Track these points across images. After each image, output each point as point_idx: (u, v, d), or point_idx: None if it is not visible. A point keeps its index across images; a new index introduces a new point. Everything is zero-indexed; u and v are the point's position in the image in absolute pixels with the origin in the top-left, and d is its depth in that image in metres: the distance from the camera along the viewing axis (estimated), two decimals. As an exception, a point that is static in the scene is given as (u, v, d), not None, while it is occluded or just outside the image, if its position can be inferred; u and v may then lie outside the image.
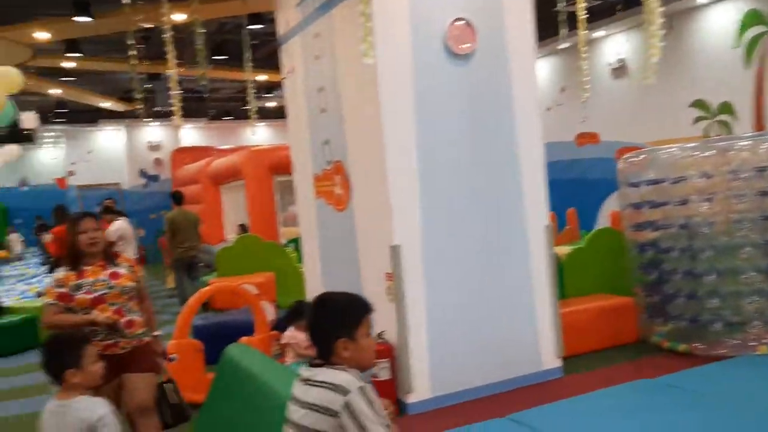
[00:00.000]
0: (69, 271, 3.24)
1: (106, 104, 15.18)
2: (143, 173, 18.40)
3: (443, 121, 4.51)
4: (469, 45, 4.54)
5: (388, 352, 4.52)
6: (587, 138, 11.51)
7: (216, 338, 5.55)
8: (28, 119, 9.52)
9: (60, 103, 15.31)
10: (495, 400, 4.54)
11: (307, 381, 1.93)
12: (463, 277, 4.57)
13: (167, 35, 5.97)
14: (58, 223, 8.08)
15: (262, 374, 2.87)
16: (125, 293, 3.27)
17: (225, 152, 16.20)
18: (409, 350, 4.46)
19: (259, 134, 20.35)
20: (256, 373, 2.92)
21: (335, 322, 1.94)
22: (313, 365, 1.97)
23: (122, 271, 3.33)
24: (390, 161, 4.38)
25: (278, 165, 12.06)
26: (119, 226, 9.67)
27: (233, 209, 14.56)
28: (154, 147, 18.49)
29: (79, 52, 9.76)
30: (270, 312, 5.61)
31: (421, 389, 4.49)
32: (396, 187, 4.40)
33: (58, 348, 2.59)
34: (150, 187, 18.32)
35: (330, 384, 1.83)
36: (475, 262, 4.60)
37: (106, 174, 18.20)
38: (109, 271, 3.29)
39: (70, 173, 18.11)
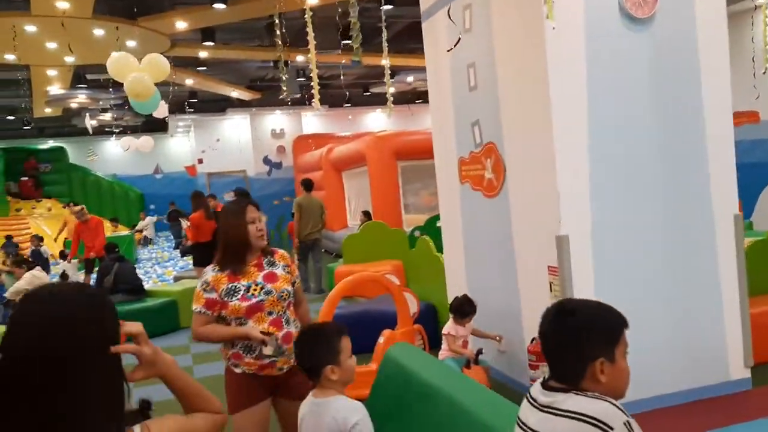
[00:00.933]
0: (219, 271, 2.74)
1: (234, 93, 15.56)
2: (267, 160, 18.82)
3: (619, 94, 3.98)
4: (649, 7, 3.96)
5: (552, 354, 4.09)
6: (745, 117, 10.34)
7: (355, 329, 5.33)
8: (161, 109, 9.81)
9: (192, 93, 15.87)
10: (676, 413, 3.98)
11: (545, 408, 1.56)
12: (640, 272, 4.03)
13: (307, 17, 5.78)
14: (196, 209, 8.22)
15: (441, 387, 2.54)
16: (283, 299, 2.78)
17: (345, 139, 16.21)
18: (576, 353, 3.98)
19: (379, 120, 20.27)
20: (435, 384, 2.59)
21: (589, 339, 1.55)
22: (550, 388, 1.59)
23: (279, 271, 2.81)
24: (558, 141, 3.90)
25: (402, 150, 11.82)
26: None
27: (355, 196, 14.52)
28: (278, 134, 18.85)
29: (213, 41, 9.93)
30: (413, 304, 5.31)
31: (588, 396, 4.01)
32: (564, 171, 3.92)
33: (313, 341, 2.34)
34: (273, 174, 18.72)
35: (584, 417, 1.45)
36: (653, 255, 4.05)
37: (233, 161, 18.76)
38: (265, 271, 2.78)
39: (200, 161, 18.84)
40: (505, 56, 4.41)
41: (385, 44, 5.66)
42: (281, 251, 2.94)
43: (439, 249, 6.19)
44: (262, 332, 2.67)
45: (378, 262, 9.66)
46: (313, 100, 6.29)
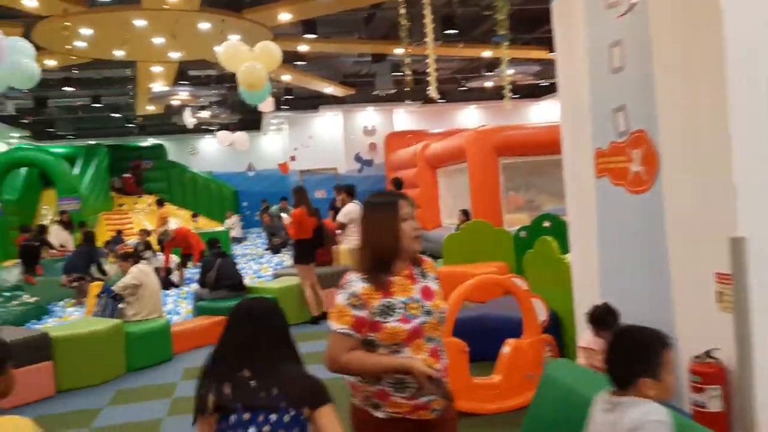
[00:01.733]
0: (367, 282, 2.16)
1: (329, 89, 15.44)
2: (358, 158, 18.66)
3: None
4: None
5: (721, 376, 3.49)
6: None
7: (477, 335, 4.92)
8: (267, 102, 9.72)
9: (287, 89, 15.88)
10: None
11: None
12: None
13: (426, 10, 5.39)
14: (298, 204, 8.01)
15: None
16: (441, 323, 2.24)
17: (438, 136, 15.79)
18: (753, 375, 3.38)
19: (472, 116, 19.72)
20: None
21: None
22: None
23: (434, 286, 2.27)
24: (736, 126, 3.31)
25: (504, 146, 11.27)
26: (351, 209, 9.55)
27: (450, 194, 14.06)
28: (369, 131, 18.66)
29: (314, 33, 9.75)
30: (541, 311, 4.81)
31: (767, 425, 3.41)
32: (743, 160, 3.32)
33: (630, 348, 2.08)
34: (364, 172, 18.54)
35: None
36: None
37: (325, 159, 18.74)
38: (420, 284, 2.23)
39: (292, 158, 18.92)
40: (665, 29, 3.84)
41: (503, 32, 5.15)
42: (428, 259, 2.39)
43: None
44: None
45: (480, 263, 9.17)
46: (429, 88, 5.96)
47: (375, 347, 2.16)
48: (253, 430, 2.01)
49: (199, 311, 7.91)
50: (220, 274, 7.94)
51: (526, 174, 12.19)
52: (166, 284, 10.68)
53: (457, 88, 17.31)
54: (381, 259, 2.20)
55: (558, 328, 5.57)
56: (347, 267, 9.58)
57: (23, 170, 17.37)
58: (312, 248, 8.15)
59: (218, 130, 21.08)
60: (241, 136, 15.59)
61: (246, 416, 2.03)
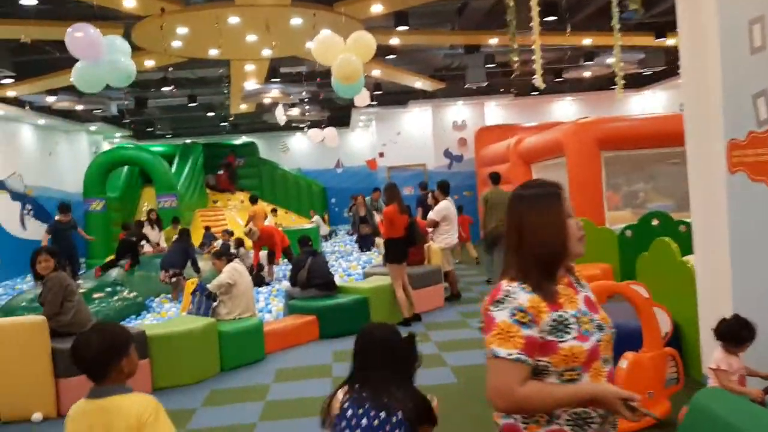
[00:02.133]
0: (533, 292, 1.75)
1: (419, 83, 15.14)
2: (447, 153, 18.27)
3: None
4: None
5: None
6: None
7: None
8: (362, 95, 9.51)
9: (376, 85, 15.71)
10: None
11: None
12: None
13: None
14: (390, 202, 7.77)
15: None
16: (613, 340, 1.87)
17: (532, 129, 15.15)
18: None
19: (567, 109, 18.89)
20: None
21: None
22: None
23: (592, 296, 1.90)
24: None
25: (607, 139, 10.58)
26: (444, 206, 9.23)
27: (545, 190, 13.43)
28: (459, 126, 18.23)
29: (406, 25, 9.47)
30: (664, 322, 4.31)
31: None
32: None
33: None
34: (453, 168, 18.13)
35: None
36: None
37: (413, 155, 18.47)
38: (582, 294, 1.85)
39: (381, 155, 18.77)
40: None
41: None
42: (573, 265, 1.97)
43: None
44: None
45: (582, 265, 8.61)
46: (535, 77, 5.55)
47: (545, 375, 1.73)
48: (365, 421, 2.42)
49: (290, 310, 7.83)
50: (311, 272, 7.82)
51: (630, 169, 11.43)
52: (258, 281, 10.75)
53: (553, 79, 16.54)
54: (546, 263, 1.79)
55: (679, 342, 5.04)
56: (438, 267, 9.29)
57: (125, 168, 18.18)
58: (404, 247, 7.89)
59: (308, 127, 21.32)
60: (331, 131, 15.57)
61: (360, 411, 2.46)
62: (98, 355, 2.21)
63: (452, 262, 9.24)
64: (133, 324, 8.35)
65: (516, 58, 6.11)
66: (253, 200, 15.16)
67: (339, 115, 20.28)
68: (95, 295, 8.82)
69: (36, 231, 15.28)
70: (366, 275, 9.06)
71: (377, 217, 8.66)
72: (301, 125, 21.23)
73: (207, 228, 15.01)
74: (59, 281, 5.56)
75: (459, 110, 18.24)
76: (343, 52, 6.33)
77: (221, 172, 21.32)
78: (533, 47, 6.35)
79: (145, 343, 5.69)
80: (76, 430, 2.21)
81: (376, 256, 13.22)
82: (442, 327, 7.69)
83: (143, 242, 11.97)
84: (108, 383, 2.22)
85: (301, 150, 23.51)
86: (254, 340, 6.64)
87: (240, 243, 12.01)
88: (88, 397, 2.23)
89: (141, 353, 5.63)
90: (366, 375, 2.56)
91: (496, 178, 11.04)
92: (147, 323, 8.22)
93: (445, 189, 9.22)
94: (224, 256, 7.14)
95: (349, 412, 2.47)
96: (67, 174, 17.29)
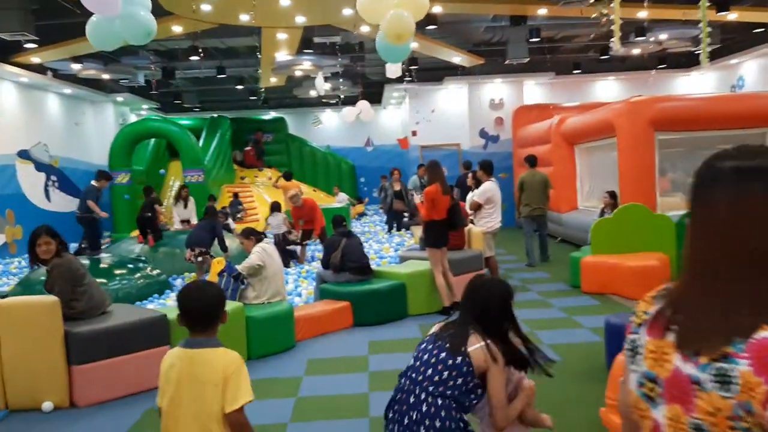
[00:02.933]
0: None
1: (457, 58, 14.41)
2: (483, 133, 17.55)
3: None
4: None
5: None
6: None
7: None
8: (393, 70, 8.90)
9: (411, 60, 15.00)
10: None
11: None
12: None
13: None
14: (432, 181, 7.16)
15: None
16: None
17: (574, 110, 14.38)
18: None
19: (611, 89, 18.01)
20: None
21: None
22: None
23: None
24: None
25: (662, 120, 9.81)
26: (489, 187, 8.59)
27: (589, 173, 12.71)
28: (496, 105, 17.47)
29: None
30: None
31: None
32: None
33: None
34: (489, 148, 17.41)
35: None
36: None
37: (447, 134, 17.80)
38: None
39: (414, 133, 18.11)
40: None
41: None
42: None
43: None
44: None
45: (635, 254, 7.96)
46: (612, 40, 4.89)
47: None
48: (426, 356, 2.68)
49: (322, 294, 7.30)
50: (345, 255, 7.27)
51: (685, 152, 10.66)
52: (286, 257, 10.27)
53: (599, 56, 15.70)
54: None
55: None
56: (479, 252, 8.70)
57: (151, 141, 17.78)
58: (445, 230, 7.30)
59: (338, 103, 20.73)
60: (365, 105, 14.87)
61: (430, 346, 2.72)
62: (211, 306, 2.43)
63: (493, 248, 8.62)
64: (155, 304, 7.92)
65: (605, 11, 5.40)
66: (287, 177, 14.72)
67: (371, 91, 19.62)
68: (117, 272, 8.40)
69: (60, 203, 14.99)
70: (402, 259, 8.49)
71: (417, 198, 7.99)
72: (332, 101, 20.63)
73: (235, 195, 14.53)
74: (67, 267, 5.02)
75: (496, 88, 17.47)
76: (393, 7, 5.69)
77: (248, 148, 20.86)
78: (598, 14, 5.67)
79: (166, 328, 5.19)
80: (167, 374, 2.43)
81: (409, 238, 12.68)
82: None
83: (174, 218, 11.57)
84: (205, 335, 2.42)
85: (331, 127, 22.93)
86: (284, 326, 6.12)
87: (276, 207, 11.51)
88: (183, 346, 2.44)
89: (162, 339, 5.16)
90: (461, 318, 2.78)
91: (532, 161, 10.59)
92: (170, 304, 7.77)
93: (488, 169, 8.58)
94: (253, 235, 6.62)
95: (423, 345, 2.78)
96: (92, 145, 16.94)
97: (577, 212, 12.58)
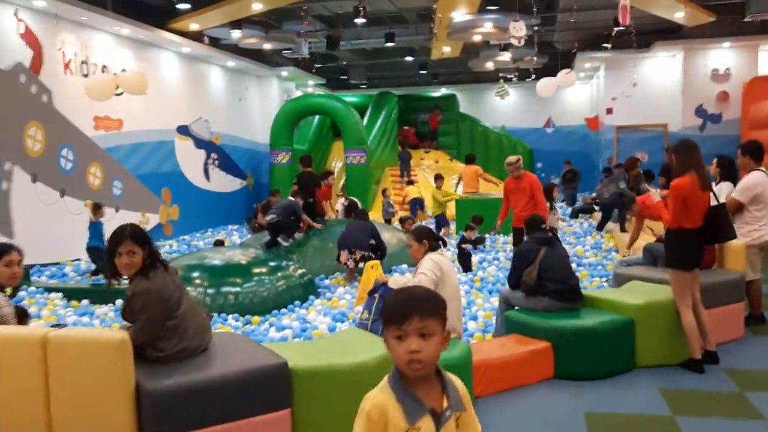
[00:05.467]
0: None
1: (680, 13, 11.41)
2: (701, 111, 14.27)
3: None
4: None
5: None
6: None
7: None
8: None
9: (615, 20, 12.23)
10: None
11: None
12: None
13: None
14: (683, 170, 4.77)
15: None
16: None
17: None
18: None
19: None
20: None
21: None
22: None
23: None
24: None
25: None
26: (757, 180, 5.94)
27: None
28: (721, 77, 14.08)
29: None
30: None
31: None
32: None
33: None
34: (707, 130, 14.13)
35: None
36: None
37: (651, 112, 14.81)
38: None
39: (608, 111, 15.27)
40: None
41: None
42: None
43: None
44: None
45: None
46: None
47: None
48: None
49: (509, 326, 5.21)
50: (544, 271, 5.14)
51: None
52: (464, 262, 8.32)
53: None
54: None
55: None
56: (740, 274, 6.14)
57: (315, 120, 16.66)
58: (700, 245, 4.91)
59: (516, 78, 18.34)
60: (567, 73, 12.29)
61: None
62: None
63: (759, 268, 5.98)
64: (294, 316, 6.35)
65: None
66: (469, 160, 12.87)
67: (554, 64, 16.97)
68: (255, 270, 6.93)
69: (220, 182, 14.28)
70: (617, 278, 6.15)
71: (654, 194, 5.47)
72: (509, 75, 18.26)
73: (383, 192, 12.82)
74: (156, 296, 3.40)
75: (722, 55, 14.09)
76: None
77: (407, 127, 19.18)
78: None
79: (287, 382, 3.43)
80: None
81: (600, 238, 10.18)
82: (756, 376, 4.69)
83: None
84: None
85: (506, 105, 20.61)
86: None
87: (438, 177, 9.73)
88: None
89: (280, 399, 3.42)
90: None
91: (757, 149, 7.12)
92: (312, 318, 6.15)
93: (757, 153, 5.91)
94: (428, 239, 4.69)
95: None
96: (256, 123, 16.16)
97: None
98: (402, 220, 10.85)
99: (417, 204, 14.36)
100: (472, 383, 4.31)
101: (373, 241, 7.79)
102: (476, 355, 4.53)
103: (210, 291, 6.43)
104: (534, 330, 4.95)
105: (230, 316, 6.23)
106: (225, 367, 3.39)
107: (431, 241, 4.66)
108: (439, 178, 12.18)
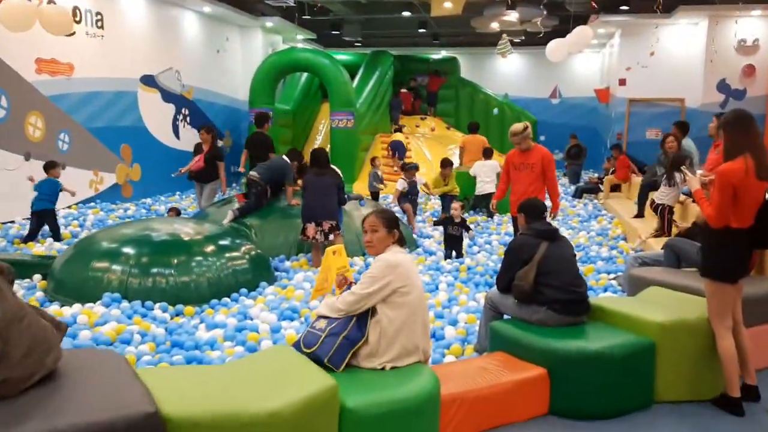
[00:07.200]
0: None
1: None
2: (723, 86, 13.02)
3: None
4: None
5: None
6: None
7: None
8: None
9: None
10: None
11: None
12: None
13: None
14: (736, 152, 3.61)
15: None
16: None
17: None
18: None
19: None
20: None
21: None
22: None
23: None
24: None
25: None
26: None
27: None
28: (747, 49, 12.80)
29: None
30: None
31: None
32: None
33: None
34: (729, 107, 12.88)
35: None
36: None
37: (667, 86, 13.57)
38: None
39: (621, 82, 13.99)
40: None
41: None
42: None
43: None
44: None
45: None
46: None
47: None
48: None
49: (495, 341, 4.08)
50: (544, 272, 4.01)
51: None
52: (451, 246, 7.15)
53: None
54: None
55: None
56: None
57: (303, 77, 15.33)
58: (748, 249, 3.78)
59: (521, 43, 17.02)
60: (584, 30, 10.94)
61: None
62: None
63: (807, 277, 4.85)
64: (240, 302, 5.25)
65: None
66: (473, 129, 11.69)
67: (564, 29, 15.58)
68: (197, 249, 5.73)
69: (192, 141, 13.02)
70: (632, 282, 5.02)
71: (696, 180, 4.28)
72: (516, 39, 16.89)
73: (372, 161, 11.37)
74: None
75: (751, 24, 12.78)
76: None
77: (404, 90, 17.78)
78: None
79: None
80: None
81: (608, 221, 9.03)
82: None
83: None
84: None
85: (510, 72, 19.26)
86: (421, 424, 3.02)
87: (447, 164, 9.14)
88: None
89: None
90: None
91: None
92: (255, 314, 5.02)
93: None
94: (397, 228, 3.49)
95: None
96: (237, 77, 14.84)
97: None
98: (404, 168, 9.63)
99: (397, 148, 13.32)
100: (438, 424, 3.20)
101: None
102: (449, 384, 3.42)
103: (134, 271, 5.29)
104: (525, 349, 3.83)
105: (157, 305, 5.10)
106: (56, 419, 2.23)
107: (401, 233, 3.48)
108: (447, 164, 9.70)
